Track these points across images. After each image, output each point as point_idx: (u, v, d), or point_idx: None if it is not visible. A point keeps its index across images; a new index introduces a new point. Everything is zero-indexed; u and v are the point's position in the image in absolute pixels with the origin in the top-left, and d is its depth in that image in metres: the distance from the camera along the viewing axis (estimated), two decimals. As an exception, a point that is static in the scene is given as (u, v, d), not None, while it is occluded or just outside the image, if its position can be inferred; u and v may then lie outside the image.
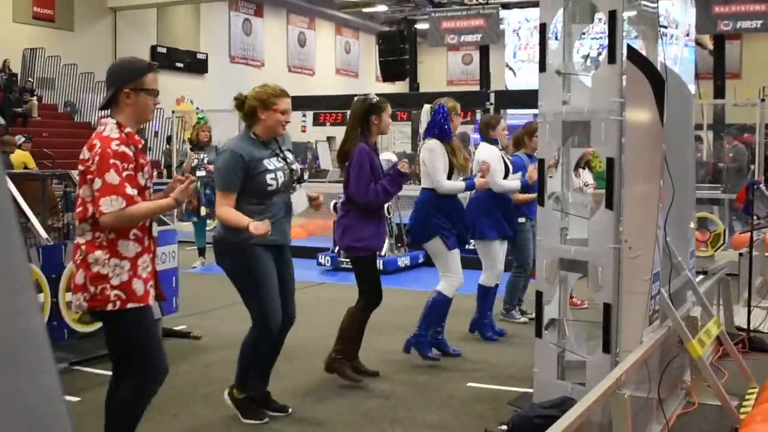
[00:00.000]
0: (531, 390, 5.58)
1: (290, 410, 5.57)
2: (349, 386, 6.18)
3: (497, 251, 7.65)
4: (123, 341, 4.14)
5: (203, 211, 11.21)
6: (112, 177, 3.84)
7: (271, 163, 5.22)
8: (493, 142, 7.85)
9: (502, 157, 7.81)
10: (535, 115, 19.25)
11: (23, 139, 17.47)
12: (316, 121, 16.99)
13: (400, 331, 7.40)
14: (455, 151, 6.92)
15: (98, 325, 6.47)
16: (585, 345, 5.53)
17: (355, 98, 6.50)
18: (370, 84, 38.12)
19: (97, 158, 3.86)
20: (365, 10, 33.93)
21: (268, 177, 5.16)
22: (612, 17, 4.85)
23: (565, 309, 5.56)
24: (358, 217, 6.22)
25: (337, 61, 38.83)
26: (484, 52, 26.53)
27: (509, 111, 17.34)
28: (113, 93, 4.02)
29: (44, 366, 1.10)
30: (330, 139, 27.81)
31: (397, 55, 25.11)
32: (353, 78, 39.45)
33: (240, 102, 5.31)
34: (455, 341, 7.32)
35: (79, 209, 3.95)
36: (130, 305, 3.96)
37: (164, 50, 28.38)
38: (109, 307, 3.92)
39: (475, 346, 7.44)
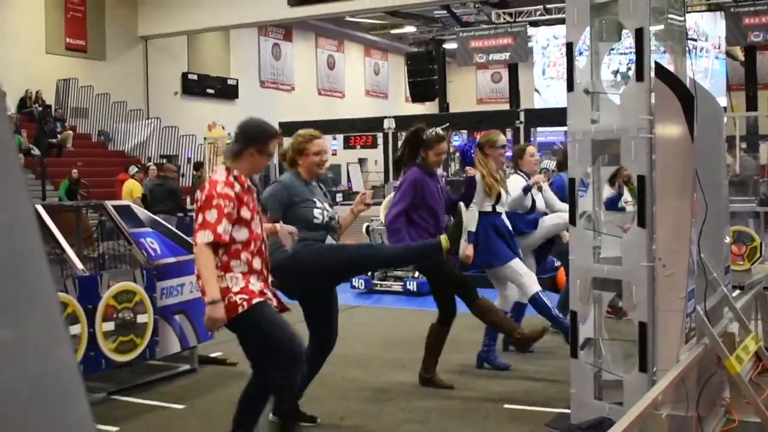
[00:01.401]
0: (568, 410, 5.55)
1: (319, 420, 5.76)
2: (384, 408, 6.17)
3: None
4: (248, 341, 4.76)
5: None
6: (212, 215, 4.49)
7: (316, 200, 5.55)
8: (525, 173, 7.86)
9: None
10: (566, 133, 19.19)
11: (136, 169, 18.25)
12: (347, 144, 17.06)
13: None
14: (487, 183, 7.13)
15: (136, 353, 6.54)
16: (621, 364, 5.49)
17: (415, 127, 6.81)
18: (400, 105, 38.26)
19: (204, 198, 4.52)
20: (393, 31, 34.13)
21: (315, 211, 5.48)
22: (639, 35, 4.84)
23: (600, 328, 5.53)
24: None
25: (366, 82, 38.97)
26: (513, 70, 26.55)
27: (539, 129, 17.27)
28: (241, 147, 4.69)
29: (76, 401, 1.10)
30: (362, 161, 27.90)
31: (426, 75, 25.19)
32: (383, 99, 39.56)
33: (283, 153, 5.86)
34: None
35: None
36: (255, 301, 4.55)
37: (195, 77, 28.66)
38: (239, 310, 4.52)
39: (512, 368, 7.39)
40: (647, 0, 4.84)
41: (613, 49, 6.43)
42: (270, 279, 4.86)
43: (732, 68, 25.48)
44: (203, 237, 4.45)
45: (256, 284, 4.65)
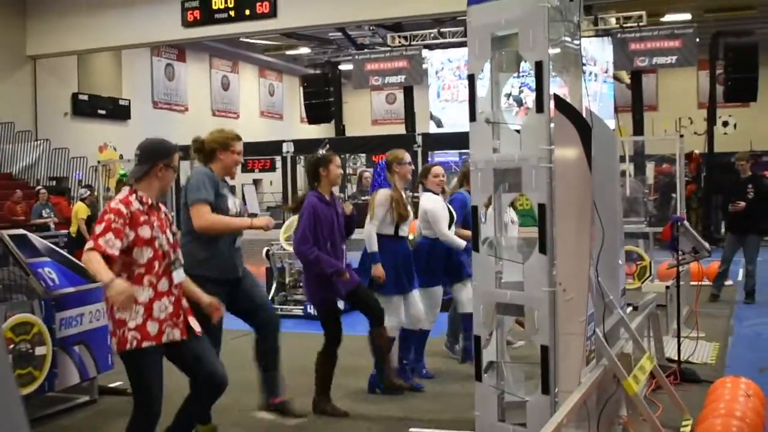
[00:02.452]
0: (473, 433, 5.65)
1: None
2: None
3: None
4: (134, 380, 4.65)
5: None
6: (100, 227, 4.48)
7: (228, 193, 5.73)
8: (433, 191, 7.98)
9: (447, 205, 7.93)
10: (461, 155, 19.55)
11: (88, 193, 18.22)
12: (245, 168, 17.00)
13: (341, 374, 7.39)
14: (396, 202, 7.25)
15: (35, 386, 6.37)
16: (523, 386, 5.62)
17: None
18: (296, 126, 38.24)
19: (101, 217, 4.54)
20: (288, 52, 34.14)
21: (230, 202, 5.66)
22: (539, 67, 5.00)
23: (502, 352, 5.65)
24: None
25: (261, 103, 38.80)
26: (408, 92, 26.83)
27: (436, 152, 17.52)
28: (148, 167, 4.72)
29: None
30: (257, 182, 27.73)
31: (323, 97, 25.23)
32: (278, 120, 39.46)
33: (199, 143, 5.82)
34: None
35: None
36: (145, 344, 4.54)
37: (86, 97, 28.03)
38: (127, 347, 4.52)
39: (415, 390, 7.47)
40: (546, 34, 4.99)
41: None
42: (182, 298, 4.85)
43: (619, 91, 26.33)
44: (87, 245, 4.47)
45: (154, 321, 4.60)
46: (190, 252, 5.44)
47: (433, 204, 7.75)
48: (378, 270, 7.10)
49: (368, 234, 7.19)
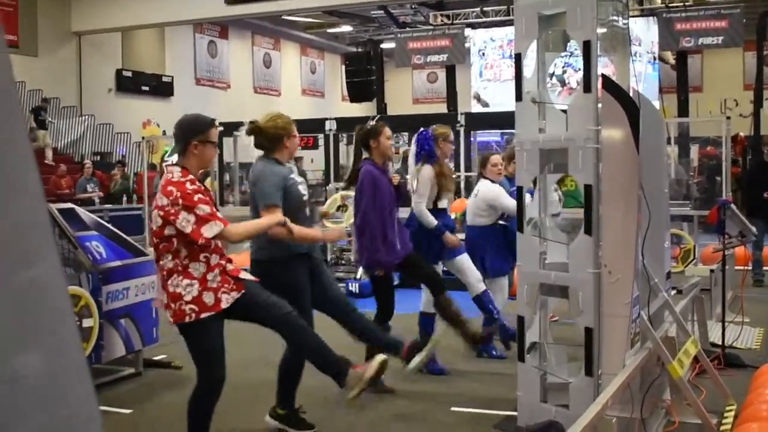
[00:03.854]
0: (515, 413, 5.65)
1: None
2: (334, 414, 6.20)
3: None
4: (195, 353, 4.76)
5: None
6: (203, 209, 4.52)
7: (296, 177, 5.65)
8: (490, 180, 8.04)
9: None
10: (503, 134, 19.35)
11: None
12: (287, 145, 17.01)
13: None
14: (442, 176, 7.17)
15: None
16: (566, 367, 5.62)
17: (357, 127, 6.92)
18: (337, 104, 38.23)
19: (180, 200, 4.50)
20: (330, 30, 34.10)
21: (301, 188, 5.60)
22: (587, 47, 4.96)
23: (545, 333, 5.64)
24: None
25: (302, 81, 38.83)
26: (450, 71, 26.72)
27: (479, 131, 17.43)
28: (184, 145, 4.70)
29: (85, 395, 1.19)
30: (297, 159, 27.80)
31: (364, 76, 25.23)
32: (319, 98, 39.49)
33: (258, 129, 5.58)
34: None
35: (163, 244, 4.59)
36: (203, 315, 4.60)
37: (129, 74, 28.24)
38: (187, 319, 4.59)
39: (457, 371, 7.48)
40: (594, 13, 4.95)
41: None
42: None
43: (664, 72, 26.01)
44: (212, 230, 4.51)
45: (209, 292, 4.63)
46: (268, 241, 5.36)
47: (497, 190, 7.78)
48: (449, 238, 7.20)
49: (420, 211, 7.18)
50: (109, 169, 23.40)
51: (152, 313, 7.42)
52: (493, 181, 7.92)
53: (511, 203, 7.44)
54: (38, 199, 1.17)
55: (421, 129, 7.32)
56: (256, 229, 4.93)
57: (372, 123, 6.80)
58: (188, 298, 4.60)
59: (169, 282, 4.61)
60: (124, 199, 20.05)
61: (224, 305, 4.65)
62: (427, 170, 7.20)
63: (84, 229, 7.08)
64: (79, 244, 6.85)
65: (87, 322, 6.56)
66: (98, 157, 24.76)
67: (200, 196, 4.56)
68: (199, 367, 4.80)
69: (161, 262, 4.66)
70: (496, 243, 7.74)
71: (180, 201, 4.51)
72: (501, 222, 7.79)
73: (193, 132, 4.75)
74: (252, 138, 5.57)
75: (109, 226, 7.67)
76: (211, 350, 4.74)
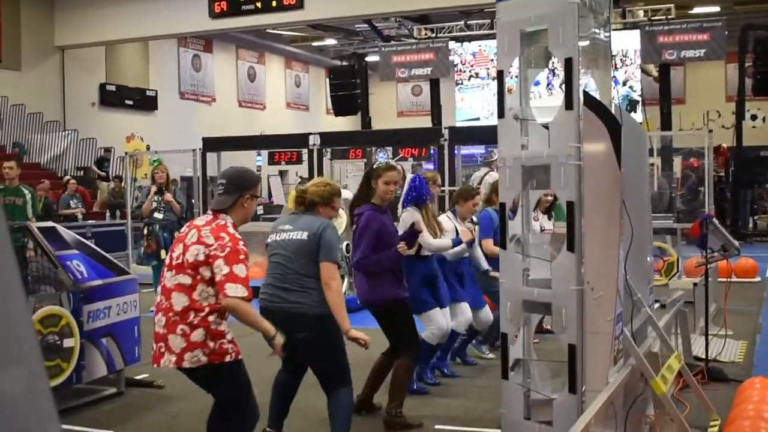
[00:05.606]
0: (499, 431, 5.63)
1: None
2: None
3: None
4: (236, 388, 4.75)
5: (163, 254, 11.07)
6: (241, 270, 4.52)
7: None
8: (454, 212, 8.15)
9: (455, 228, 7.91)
10: (487, 148, 19.39)
11: None
12: (271, 161, 16.97)
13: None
14: (428, 216, 7.18)
15: (62, 378, 6.43)
16: (550, 384, 5.59)
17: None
18: (321, 117, 38.28)
19: (228, 249, 4.52)
20: (315, 44, 34.16)
21: None
22: (568, 64, 4.95)
23: (529, 349, 5.62)
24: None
25: (287, 95, 38.82)
26: (435, 84, 26.77)
27: (463, 146, 17.46)
28: (237, 197, 4.73)
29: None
30: (282, 174, 27.78)
31: (349, 89, 25.25)
32: (304, 111, 39.48)
33: (301, 197, 5.75)
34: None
35: (197, 277, 4.54)
36: (240, 357, 4.68)
37: (113, 88, 28.15)
38: (227, 359, 4.58)
39: (441, 388, 7.47)
40: (576, 31, 4.94)
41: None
42: None
43: (646, 84, 26.13)
44: (237, 291, 4.48)
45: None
46: (320, 295, 5.42)
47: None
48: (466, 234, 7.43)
49: (427, 243, 7.10)
50: (93, 185, 23.30)
51: (134, 332, 7.38)
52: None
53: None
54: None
55: (416, 174, 7.29)
56: (258, 325, 4.72)
57: (382, 161, 6.87)
58: (229, 337, 4.62)
59: (210, 319, 4.56)
60: (117, 213, 19.98)
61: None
62: (412, 213, 7.07)
63: (65, 248, 7.04)
64: (59, 263, 6.80)
65: (68, 342, 6.51)
66: (81, 172, 24.65)
67: (243, 257, 4.58)
68: (238, 404, 4.78)
69: (194, 296, 4.56)
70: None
71: (226, 250, 4.53)
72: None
73: (246, 186, 4.82)
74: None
75: (91, 244, 7.63)
76: (249, 385, 4.80)
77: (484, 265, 8.22)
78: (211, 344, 4.52)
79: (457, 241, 7.41)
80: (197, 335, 4.50)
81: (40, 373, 1.20)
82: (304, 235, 5.51)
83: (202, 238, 4.59)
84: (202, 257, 4.54)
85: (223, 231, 4.62)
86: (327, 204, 5.77)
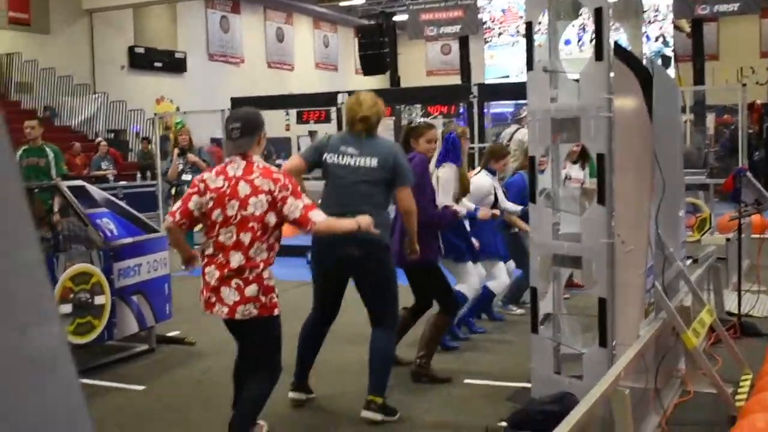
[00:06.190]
0: (528, 385, 5.62)
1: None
2: (342, 390, 6.19)
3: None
4: (274, 341, 4.87)
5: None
6: (306, 199, 4.70)
7: None
8: (492, 171, 8.00)
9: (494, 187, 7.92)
10: (517, 105, 19.24)
11: None
12: (300, 119, 16.97)
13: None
14: (463, 176, 7.03)
15: (94, 335, 6.49)
16: (580, 338, 5.57)
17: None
18: (350, 77, 38.09)
19: (290, 186, 4.67)
20: (342, 3, 33.88)
21: None
22: (598, 14, 4.88)
23: (559, 304, 5.60)
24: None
25: (316, 55, 38.67)
26: (464, 42, 26.55)
27: (492, 102, 17.35)
28: (257, 137, 4.83)
29: (67, 375, 1.17)
30: (312, 134, 27.77)
31: (377, 48, 25.11)
32: (333, 72, 39.33)
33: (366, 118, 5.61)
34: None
35: (257, 233, 4.62)
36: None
37: (142, 50, 28.16)
38: (276, 312, 4.72)
39: (470, 343, 7.47)
40: (606, -21, 4.87)
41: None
42: None
43: (679, 40, 25.74)
44: (319, 215, 4.68)
45: None
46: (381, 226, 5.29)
47: (476, 183, 7.79)
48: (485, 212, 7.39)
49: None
50: (124, 147, 23.39)
51: (165, 289, 7.42)
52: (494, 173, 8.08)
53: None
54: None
55: (450, 132, 7.14)
56: (343, 227, 4.92)
57: (419, 120, 6.80)
58: (276, 291, 4.75)
59: (265, 275, 4.66)
60: (148, 174, 20.06)
61: None
62: (453, 170, 6.99)
63: (94, 206, 7.06)
64: (89, 221, 6.83)
65: (99, 299, 6.55)
66: (112, 135, 24.76)
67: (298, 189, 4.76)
68: (272, 357, 4.90)
69: (250, 253, 4.63)
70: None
71: (290, 188, 4.65)
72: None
73: (261, 124, 4.91)
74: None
75: (120, 202, 7.66)
76: (281, 340, 4.91)
77: (511, 207, 8.14)
78: (263, 299, 4.64)
79: (471, 215, 7.37)
80: (251, 290, 4.62)
81: (59, 333, 1.19)
82: (374, 162, 5.42)
83: (259, 187, 4.64)
84: (266, 206, 4.63)
85: (272, 172, 4.74)
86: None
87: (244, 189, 4.65)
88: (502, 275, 7.84)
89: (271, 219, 4.64)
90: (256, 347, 4.90)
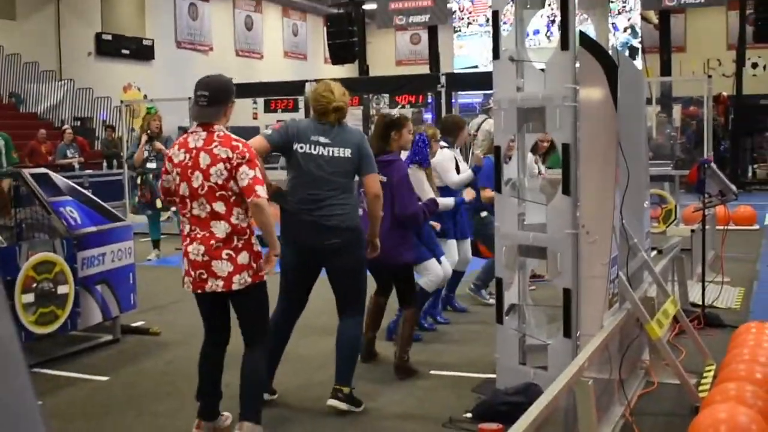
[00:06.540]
0: (494, 375, 5.63)
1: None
2: (312, 378, 6.17)
3: None
4: (265, 307, 4.95)
5: (158, 203, 10.99)
6: (259, 173, 4.64)
7: None
8: (448, 141, 7.96)
9: (455, 158, 7.90)
10: (485, 95, 19.27)
11: None
12: (268, 108, 16.87)
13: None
14: (429, 176, 7.07)
15: (57, 324, 6.42)
16: (545, 329, 5.58)
17: (378, 114, 7.00)
18: (319, 66, 37.94)
19: (246, 155, 4.62)
20: (312, -8, 33.78)
21: None
22: (564, 3, 4.87)
23: (524, 294, 5.60)
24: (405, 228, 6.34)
25: (285, 44, 38.46)
26: (433, 32, 26.51)
27: (460, 92, 17.32)
28: (224, 106, 4.78)
29: (17, 370, 1.12)
30: (280, 123, 27.66)
31: (346, 37, 24.95)
32: (302, 60, 39.16)
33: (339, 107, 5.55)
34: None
35: (231, 199, 4.62)
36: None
37: (109, 37, 27.84)
38: (265, 277, 4.78)
39: (436, 334, 7.47)
40: (572, -31, 4.85)
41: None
42: None
43: (646, 32, 25.85)
44: (265, 192, 4.64)
45: None
46: (353, 209, 5.53)
47: (439, 157, 7.86)
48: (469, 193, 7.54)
49: (456, 182, 7.62)
50: (90, 135, 23.14)
51: (130, 279, 7.35)
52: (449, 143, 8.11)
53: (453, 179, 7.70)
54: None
55: (419, 134, 7.09)
56: (272, 234, 4.77)
57: (395, 113, 6.82)
58: (262, 258, 4.77)
59: (253, 240, 4.73)
60: (115, 163, 19.86)
61: None
62: (421, 172, 6.98)
63: (58, 195, 6.97)
64: (52, 210, 6.75)
65: (62, 289, 6.48)
66: (78, 122, 24.50)
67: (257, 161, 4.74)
68: (262, 326, 4.96)
69: (232, 220, 4.64)
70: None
71: (246, 156, 4.62)
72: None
73: (230, 94, 4.86)
74: None
75: (84, 191, 7.57)
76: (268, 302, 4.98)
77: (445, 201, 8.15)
78: (254, 265, 4.70)
79: (460, 201, 7.54)
80: (243, 258, 4.66)
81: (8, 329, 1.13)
82: (347, 152, 5.40)
83: (217, 156, 4.62)
84: (225, 173, 4.60)
85: (232, 140, 4.68)
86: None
87: (204, 159, 4.63)
88: (451, 253, 7.81)
89: (235, 186, 4.62)
90: (251, 316, 4.90)
